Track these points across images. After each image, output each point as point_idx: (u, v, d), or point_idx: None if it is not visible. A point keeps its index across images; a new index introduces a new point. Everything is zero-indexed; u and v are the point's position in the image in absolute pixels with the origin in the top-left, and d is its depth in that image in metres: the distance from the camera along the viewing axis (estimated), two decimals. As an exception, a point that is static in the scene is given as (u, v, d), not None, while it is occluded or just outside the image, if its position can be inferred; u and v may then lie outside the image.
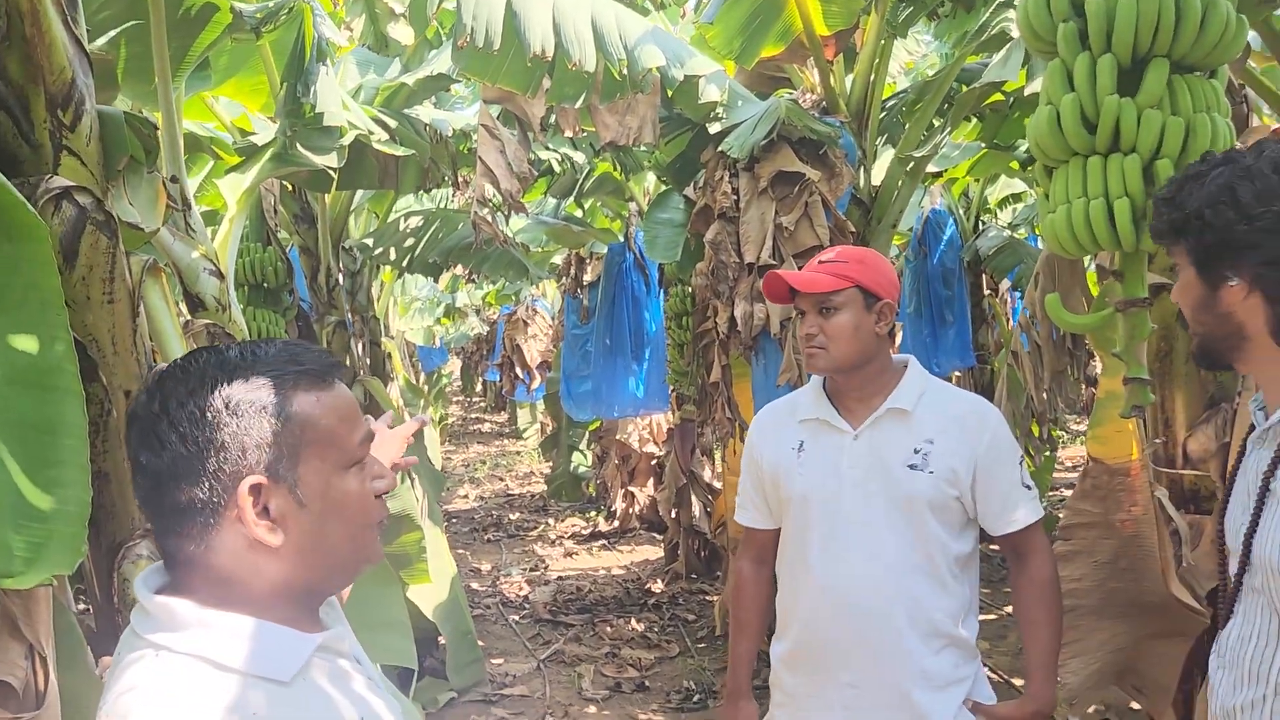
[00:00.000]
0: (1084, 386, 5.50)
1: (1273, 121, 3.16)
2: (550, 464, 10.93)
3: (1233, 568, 1.52)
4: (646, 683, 5.13)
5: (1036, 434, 3.59)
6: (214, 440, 1.00)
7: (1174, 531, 2.66)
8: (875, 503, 2.02)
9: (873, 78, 3.99)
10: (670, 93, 3.57)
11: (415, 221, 5.98)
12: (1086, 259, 3.02)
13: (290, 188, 4.97)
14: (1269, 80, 3.03)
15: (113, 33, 2.83)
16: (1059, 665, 2.49)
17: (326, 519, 1.04)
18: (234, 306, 3.29)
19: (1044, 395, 3.24)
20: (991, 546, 2.12)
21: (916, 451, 2.01)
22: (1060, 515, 2.70)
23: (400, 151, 4.06)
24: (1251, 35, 3.02)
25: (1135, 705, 3.19)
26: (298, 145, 3.52)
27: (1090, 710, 4.13)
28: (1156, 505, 2.40)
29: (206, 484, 1.00)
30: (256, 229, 4.53)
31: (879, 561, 2.01)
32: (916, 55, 6.13)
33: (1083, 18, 1.88)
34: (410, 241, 5.85)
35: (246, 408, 1.01)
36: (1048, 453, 6.27)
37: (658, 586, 6.85)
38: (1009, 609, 4.93)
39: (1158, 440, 2.52)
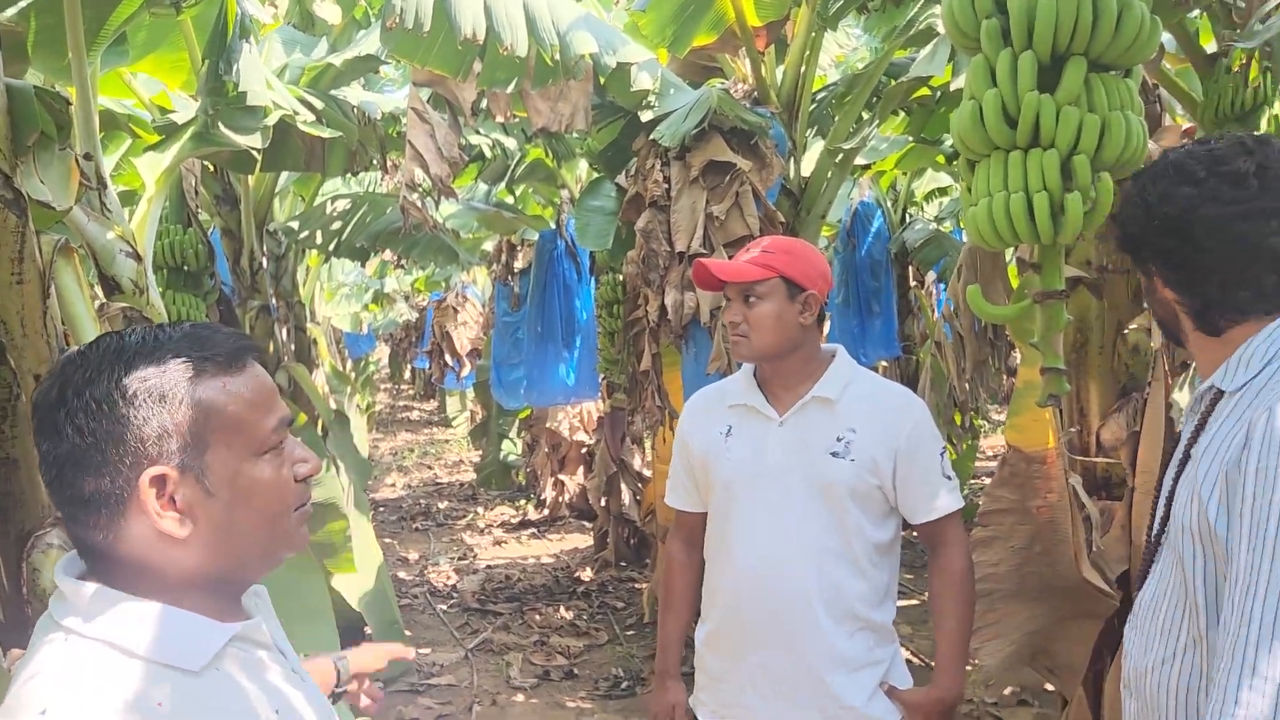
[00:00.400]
0: (1005, 377, 5.64)
1: (1185, 121, 3.27)
2: (480, 452, 10.86)
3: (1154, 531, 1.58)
4: (575, 670, 5.14)
5: (959, 423, 3.67)
6: (112, 432, 0.97)
7: (1086, 517, 2.75)
8: (797, 488, 2.06)
9: (803, 69, 4.03)
10: (603, 80, 3.56)
11: (342, 205, 5.87)
12: (1008, 252, 3.09)
13: (212, 168, 4.84)
14: (1182, 81, 3.14)
15: (23, 3, 2.71)
16: (977, 648, 2.56)
17: (236, 507, 1.02)
18: (152, 290, 3.20)
19: (966, 385, 3.32)
20: (914, 534, 2.16)
21: (839, 440, 2.05)
22: (980, 502, 2.77)
23: (327, 133, 3.98)
24: (1166, 38, 3.13)
25: (1049, 686, 3.29)
26: (220, 125, 3.43)
27: (1007, 692, 4.25)
28: (1070, 492, 2.47)
29: (108, 475, 0.97)
30: (176, 210, 4.40)
31: (798, 546, 2.04)
32: (847, 49, 6.21)
33: (1005, 15, 1.92)
34: (337, 225, 5.75)
35: (145, 397, 0.97)
36: (970, 441, 6.42)
37: (587, 574, 6.86)
38: (930, 594, 5.05)
39: (1073, 429, 2.60)
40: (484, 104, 3.74)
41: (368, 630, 4.81)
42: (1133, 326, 2.57)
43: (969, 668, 2.30)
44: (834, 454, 2.04)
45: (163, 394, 0.98)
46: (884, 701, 2.07)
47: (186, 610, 1.00)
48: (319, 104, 4.07)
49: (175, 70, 3.91)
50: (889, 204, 7.25)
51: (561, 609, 6.12)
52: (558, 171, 6.06)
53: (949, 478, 2.10)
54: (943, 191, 7.40)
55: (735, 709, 2.13)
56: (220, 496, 1.01)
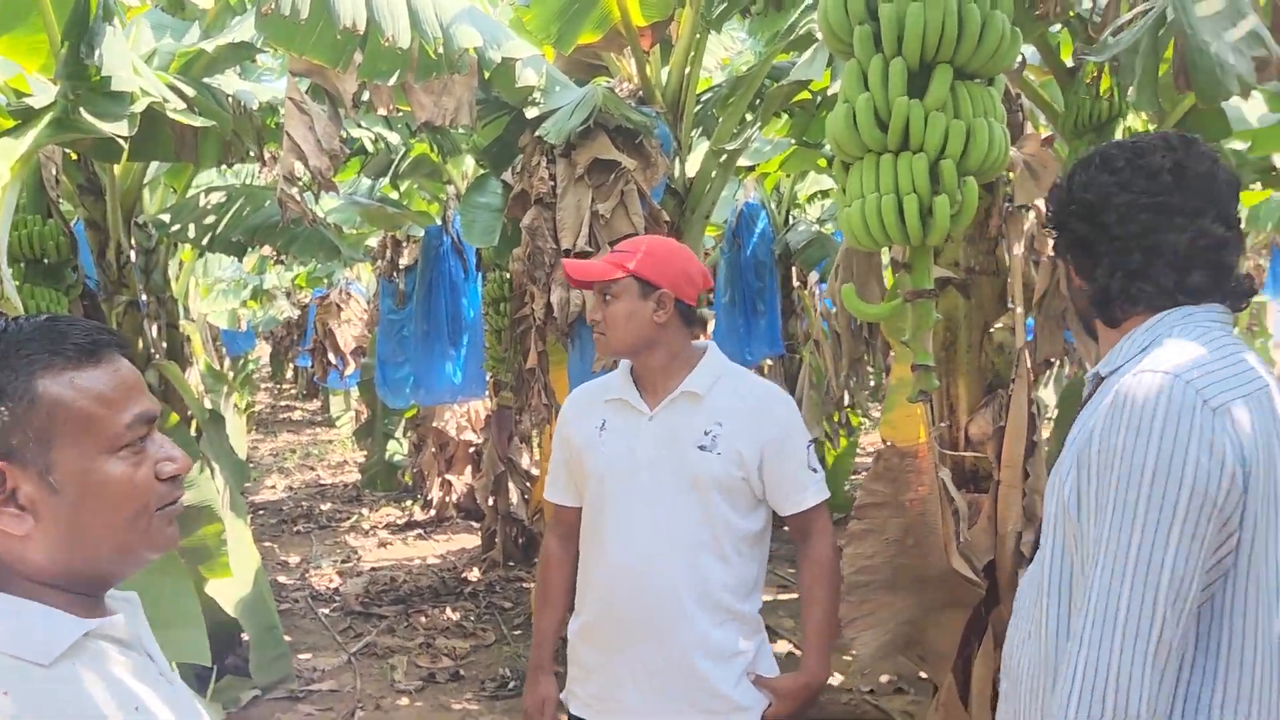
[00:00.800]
0: (884, 375, 5.81)
1: (1046, 129, 3.43)
2: (365, 452, 10.63)
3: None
4: (461, 672, 5.08)
5: (837, 419, 3.76)
6: None
7: (955, 510, 2.86)
8: (666, 481, 2.10)
9: (688, 70, 4.07)
10: (487, 74, 3.53)
11: (217, 197, 5.66)
12: (884, 253, 3.19)
13: (75, 157, 4.61)
14: (1045, 93, 3.30)
15: None
16: (854, 638, 2.64)
17: (85, 505, 0.99)
18: (7, 283, 3.04)
19: (843, 382, 3.41)
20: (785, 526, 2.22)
21: (706, 433, 2.09)
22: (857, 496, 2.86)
23: (199, 122, 3.83)
24: (1030, 50, 3.27)
25: (923, 674, 3.41)
26: (81, 110, 3.27)
27: (884, 680, 4.38)
28: (940, 486, 2.56)
29: None
30: (35, 200, 4.18)
31: (669, 539, 2.09)
32: (732, 51, 6.30)
33: (877, 22, 1.98)
34: (211, 218, 5.53)
35: None
36: (848, 438, 6.59)
37: (474, 575, 6.79)
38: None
39: (942, 424, 2.70)
40: (365, 96, 3.66)
41: (244, 637, 4.65)
42: (998, 326, 2.69)
43: (848, 658, 2.37)
44: (701, 447, 2.09)
45: (3, 388, 0.95)
46: (752, 690, 2.11)
47: (42, 605, 0.98)
48: (191, 91, 3.91)
49: (33, 52, 3.71)
50: (773, 206, 7.38)
51: (448, 610, 6.04)
52: (443, 167, 5.97)
53: (815, 470, 2.17)
54: (824, 194, 7.58)
55: (609, 702, 2.16)
56: (66, 494, 0.98)
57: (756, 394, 2.19)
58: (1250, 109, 5.55)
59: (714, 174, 4.07)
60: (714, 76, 5.51)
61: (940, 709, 2.78)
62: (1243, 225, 1.48)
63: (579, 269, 2.21)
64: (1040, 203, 2.70)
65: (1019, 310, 2.70)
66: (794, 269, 7.40)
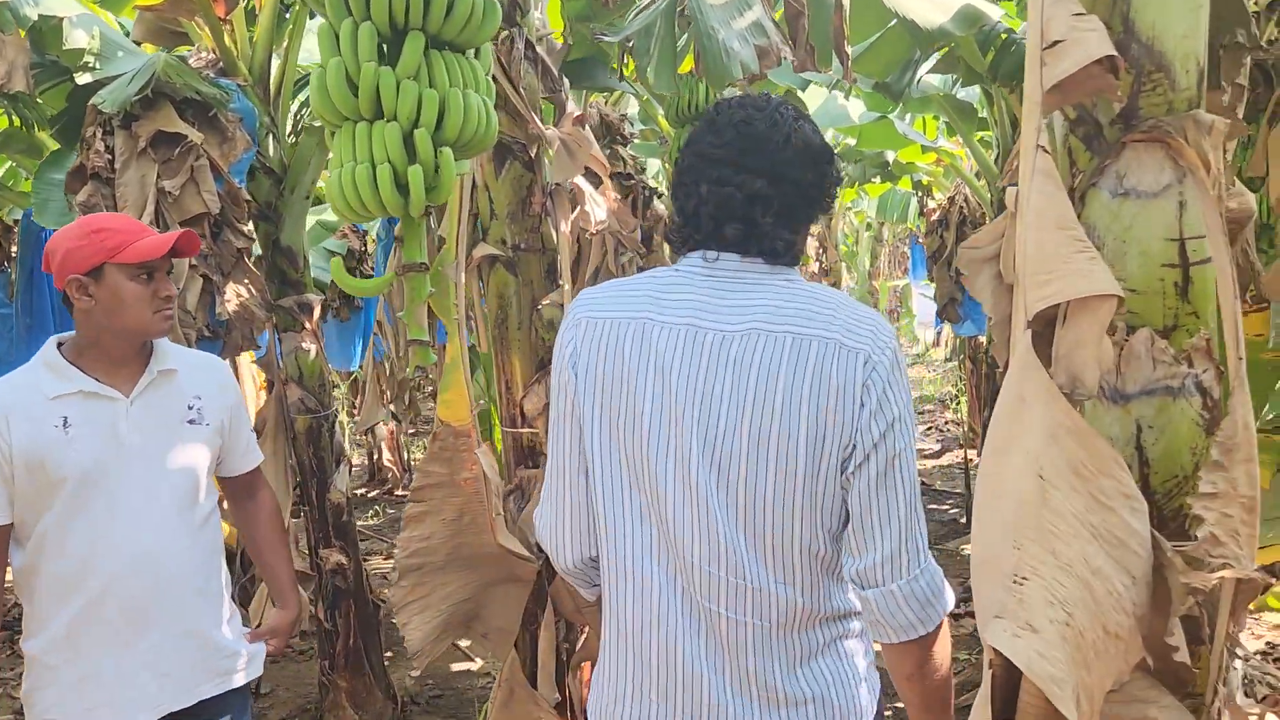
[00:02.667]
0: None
1: (668, 123, 3.52)
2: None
3: None
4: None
5: (405, 400, 3.70)
6: None
7: (518, 485, 2.87)
8: (159, 462, 2.08)
9: (287, 45, 3.87)
10: (22, 33, 3.17)
11: None
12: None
13: None
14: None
15: None
16: (405, 623, 2.58)
17: None
18: None
19: (402, 361, 3.35)
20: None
21: (191, 408, 2.14)
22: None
23: None
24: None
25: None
26: None
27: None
28: (488, 462, 2.56)
29: None
30: None
31: (172, 518, 2.09)
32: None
33: (350, -15, 1.91)
34: None
35: None
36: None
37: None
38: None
39: (481, 401, 2.70)
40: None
41: None
42: (546, 303, 2.72)
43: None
44: (191, 422, 2.14)
45: None
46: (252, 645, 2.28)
47: None
48: None
49: None
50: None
51: None
52: (40, 140, 5.36)
53: (257, 431, 2.21)
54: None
55: (125, 700, 2.04)
56: None
57: (213, 362, 2.31)
58: (853, 108, 6.06)
59: (314, 159, 3.90)
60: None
61: (504, 685, 2.79)
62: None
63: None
64: (580, 181, 2.76)
65: (567, 286, 2.74)
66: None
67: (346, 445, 5.68)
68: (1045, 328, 1.31)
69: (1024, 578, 1.25)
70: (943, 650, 1.51)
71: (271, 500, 2.42)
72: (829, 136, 7.49)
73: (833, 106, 5.94)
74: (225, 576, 2.24)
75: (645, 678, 1.53)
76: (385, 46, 1.95)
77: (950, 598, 1.52)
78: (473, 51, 2.05)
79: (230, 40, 3.65)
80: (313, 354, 3.98)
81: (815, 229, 11.85)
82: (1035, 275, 1.28)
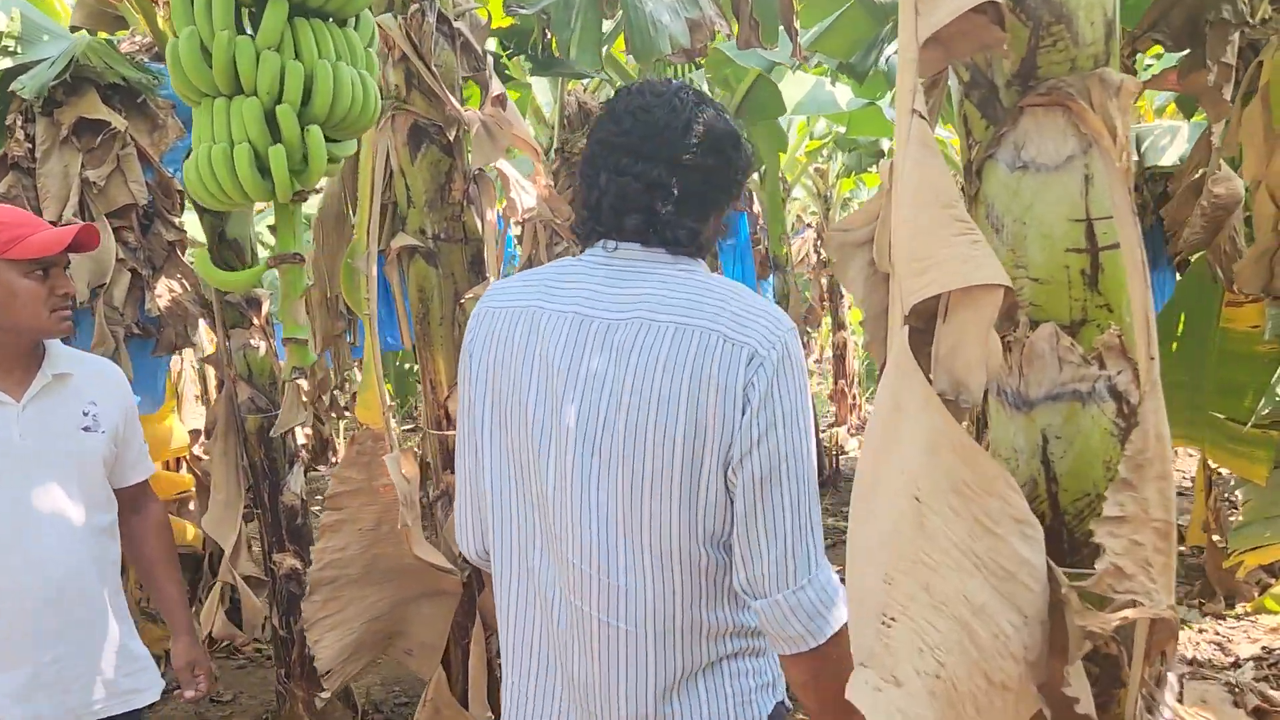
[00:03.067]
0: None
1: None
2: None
3: None
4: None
5: (326, 402, 3.54)
6: None
7: (442, 493, 2.70)
8: (53, 469, 1.98)
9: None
10: (-65, 16, 3.02)
11: None
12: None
13: None
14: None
15: None
16: (316, 640, 2.42)
17: None
18: None
19: (320, 359, 3.18)
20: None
21: (86, 414, 2.03)
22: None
23: None
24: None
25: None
26: None
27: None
28: (395, 469, 2.38)
29: None
30: None
31: (70, 529, 1.97)
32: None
33: (205, -53, 1.74)
34: None
35: None
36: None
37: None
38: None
39: (391, 404, 2.53)
40: None
41: None
42: (469, 296, 2.54)
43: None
44: (86, 429, 2.03)
45: None
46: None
47: None
48: None
49: None
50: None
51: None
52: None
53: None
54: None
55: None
56: None
57: (105, 367, 2.15)
58: (840, 95, 5.85)
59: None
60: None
61: (428, 705, 2.62)
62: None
63: None
64: (504, 165, 2.58)
65: (494, 279, 2.57)
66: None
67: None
68: (926, 323, 1.12)
69: (892, 618, 1.06)
70: (841, 662, 1.36)
71: (160, 514, 2.27)
72: (820, 126, 7.26)
73: (820, 94, 5.72)
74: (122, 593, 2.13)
75: (542, 672, 1.47)
76: (248, 15, 1.78)
77: (844, 611, 1.36)
78: (352, 23, 1.88)
79: (165, 23, 3.49)
80: (262, 351, 3.82)
81: (814, 220, 11.65)
82: (911, 262, 1.09)
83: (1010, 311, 1.19)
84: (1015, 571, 1.07)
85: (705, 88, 4.76)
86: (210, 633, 4.19)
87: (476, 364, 1.47)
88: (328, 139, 1.85)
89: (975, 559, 1.07)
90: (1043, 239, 1.17)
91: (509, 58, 3.92)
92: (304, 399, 3.23)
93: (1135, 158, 5.65)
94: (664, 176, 1.39)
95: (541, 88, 6.16)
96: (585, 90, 5.77)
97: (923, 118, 1.09)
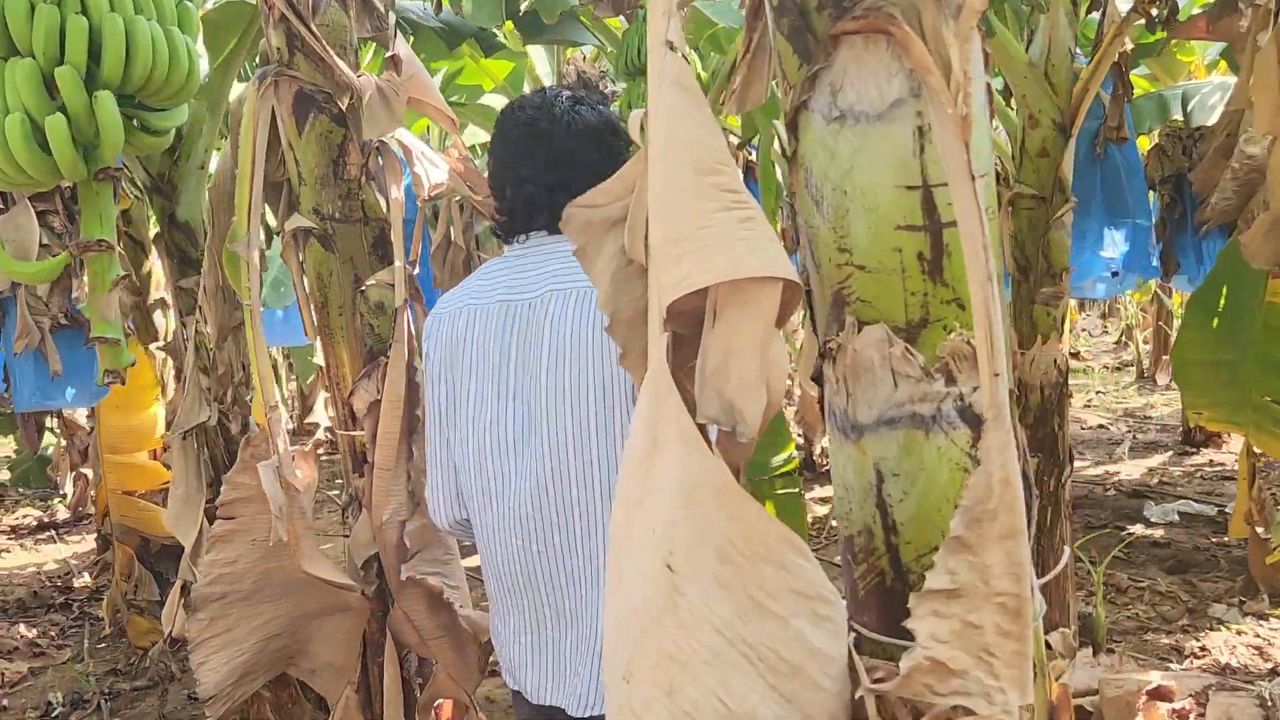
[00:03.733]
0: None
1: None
2: (15, 447, 9.51)
3: None
4: (5, 702, 4.42)
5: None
6: None
7: (354, 496, 2.47)
8: None
9: None
10: None
11: None
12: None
13: None
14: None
15: None
16: (202, 662, 2.21)
17: None
18: None
19: (222, 352, 2.97)
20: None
21: None
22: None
23: None
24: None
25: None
26: None
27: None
28: (270, 478, 2.15)
29: None
30: None
31: None
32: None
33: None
34: None
35: None
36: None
37: (83, 581, 6.06)
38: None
39: (274, 402, 2.29)
40: None
41: None
42: (371, 282, 2.29)
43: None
44: None
45: None
46: None
47: None
48: None
49: None
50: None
51: (23, 627, 5.30)
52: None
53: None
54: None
55: None
56: None
57: None
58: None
59: (206, 125, 3.54)
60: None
61: (335, 730, 2.40)
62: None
63: None
64: (404, 134, 2.32)
65: (399, 264, 2.32)
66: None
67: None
68: (693, 329, 0.84)
69: (630, 728, 0.79)
70: None
71: None
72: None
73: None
74: None
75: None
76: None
77: None
78: (163, -28, 1.63)
79: None
80: (217, 339, 3.63)
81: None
82: (667, 247, 0.81)
83: (829, 308, 0.90)
84: (801, 665, 0.79)
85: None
86: (170, 632, 4.04)
87: (433, 365, 1.70)
88: (142, 108, 1.61)
89: (745, 648, 0.79)
90: (867, 213, 0.87)
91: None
92: (207, 397, 3.03)
93: (1179, 116, 5.18)
94: (561, 177, 1.59)
95: (540, 57, 5.90)
96: (585, 60, 5.49)
97: (675, 51, 0.80)
